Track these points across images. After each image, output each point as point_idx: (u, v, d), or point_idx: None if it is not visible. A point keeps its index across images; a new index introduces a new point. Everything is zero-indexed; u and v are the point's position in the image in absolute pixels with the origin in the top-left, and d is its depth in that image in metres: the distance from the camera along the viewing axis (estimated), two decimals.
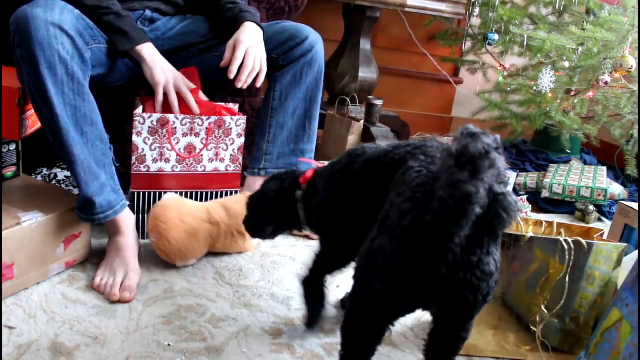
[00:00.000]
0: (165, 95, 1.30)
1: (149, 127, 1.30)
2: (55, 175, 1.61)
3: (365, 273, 0.79)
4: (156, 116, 1.30)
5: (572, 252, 1.08)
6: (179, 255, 1.29)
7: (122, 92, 1.46)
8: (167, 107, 1.31)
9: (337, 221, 1.03)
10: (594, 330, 1.06)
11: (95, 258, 1.30)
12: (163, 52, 1.43)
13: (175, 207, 1.30)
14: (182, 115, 1.33)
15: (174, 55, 1.44)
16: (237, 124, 1.40)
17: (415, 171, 0.80)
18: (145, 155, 1.33)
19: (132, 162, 1.32)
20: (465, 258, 0.71)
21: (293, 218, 1.14)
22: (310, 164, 1.24)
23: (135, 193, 1.36)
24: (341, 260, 1.08)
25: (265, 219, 1.17)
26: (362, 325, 0.82)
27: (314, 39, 1.44)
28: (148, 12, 1.43)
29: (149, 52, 1.27)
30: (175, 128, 1.34)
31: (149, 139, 1.32)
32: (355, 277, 0.83)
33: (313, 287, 1.11)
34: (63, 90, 1.11)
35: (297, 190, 1.12)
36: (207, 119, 1.36)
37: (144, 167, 1.34)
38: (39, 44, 1.07)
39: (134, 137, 1.30)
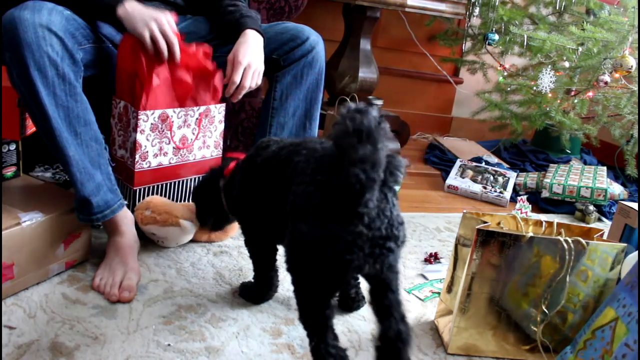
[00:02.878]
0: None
1: (152, 124, 1.31)
2: (58, 166, 1.62)
3: (297, 259, 0.87)
4: (158, 112, 1.31)
5: (572, 252, 1.08)
6: (180, 212, 1.33)
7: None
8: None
9: (247, 208, 1.14)
10: (582, 327, 1.05)
11: (95, 258, 1.30)
12: None
13: (154, 196, 1.40)
14: (179, 109, 1.35)
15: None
16: (219, 111, 1.45)
17: (303, 162, 0.91)
18: (147, 152, 1.33)
19: (135, 160, 1.32)
20: (380, 214, 0.81)
21: (218, 206, 1.25)
22: (237, 158, 1.29)
23: (138, 190, 1.36)
24: (260, 244, 1.18)
25: (200, 206, 1.30)
26: (316, 305, 0.89)
27: (315, 40, 1.44)
28: None
29: (123, 10, 1.21)
30: (173, 122, 1.35)
31: (150, 136, 1.32)
32: (290, 269, 0.90)
33: (261, 273, 1.21)
34: (54, 92, 1.11)
35: (221, 180, 1.23)
36: (197, 109, 1.39)
37: (146, 163, 1.35)
38: (27, 46, 1.07)
39: (138, 136, 1.30)
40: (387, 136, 0.77)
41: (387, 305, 0.93)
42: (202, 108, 1.40)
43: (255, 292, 1.22)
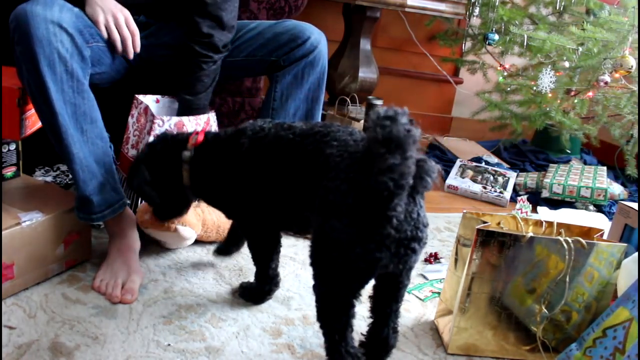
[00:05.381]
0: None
1: (166, 130, 1.30)
2: (58, 167, 1.61)
3: (324, 254, 0.87)
4: (174, 119, 1.30)
5: (572, 252, 1.08)
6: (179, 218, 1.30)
7: (122, 90, 1.46)
8: None
9: (246, 194, 1.10)
10: (590, 325, 1.06)
11: (95, 258, 1.30)
12: (160, 56, 1.42)
13: None
14: (193, 117, 1.34)
15: (173, 56, 1.43)
16: (214, 119, 1.41)
17: (336, 156, 0.90)
18: None
19: None
20: (408, 217, 0.83)
21: (175, 178, 1.17)
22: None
23: None
24: (261, 232, 1.16)
25: (136, 177, 1.18)
26: (338, 301, 0.89)
27: (317, 39, 1.42)
28: (142, 18, 1.41)
29: None
30: (188, 130, 1.33)
31: None
32: (315, 264, 0.90)
33: (263, 267, 1.20)
34: (63, 88, 1.11)
35: (184, 151, 1.16)
36: (204, 117, 1.37)
37: None
38: (38, 41, 1.07)
39: (151, 139, 1.29)
40: (417, 142, 0.77)
41: (387, 313, 0.97)
42: (205, 117, 1.38)
43: (256, 291, 1.22)
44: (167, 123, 1.30)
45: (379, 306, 0.97)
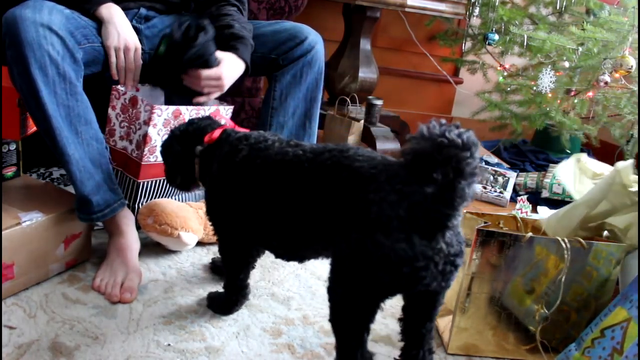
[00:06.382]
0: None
1: (164, 119, 1.31)
2: (50, 174, 1.61)
3: (363, 271, 0.79)
4: (172, 109, 1.31)
5: (569, 252, 1.08)
6: (181, 223, 1.30)
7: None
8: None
9: (238, 208, 1.05)
10: (588, 325, 1.06)
11: (95, 258, 1.30)
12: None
13: (160, 199, 1.38)
14: (191, 107, 1.34)
15: None
16: (227, 113, 1.43)
17: (371, 167, 0.84)
18: (155, 146, 1.33)
19: (144, 153, 1.32)
20: (454, 231, 0.80)
21: (189, 166, 1.16)
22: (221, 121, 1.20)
23: (142, 183, 1.37)
24: (242, 246, 1.11)
25: (170, 155, 1.18)
26: (367, 319, 0.84)
27: (314, 39, 1.44)
28: (143, 10, 1.42)
29: (107, 12, 1.25)
30: (185, 119, 1.34)
31: (161, 131, 1.32)
32: (344, 283, 0.83)
33: (234, 280, 1.14)
34: (55, 91, 1.12)
35: (197, 146, 1.13)
36: (208, 109, 1.38)
37: (153, 157, 1.35)
38: (28, 45, 1.07)
39: (150, 130, 1.29)
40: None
41: (422, 334, 0.91)
42: (213, 108, 1.39)
43: (224, 302, 1.16)
44: (165, 112, 1.30)
45: (412, 327, 0.91)
